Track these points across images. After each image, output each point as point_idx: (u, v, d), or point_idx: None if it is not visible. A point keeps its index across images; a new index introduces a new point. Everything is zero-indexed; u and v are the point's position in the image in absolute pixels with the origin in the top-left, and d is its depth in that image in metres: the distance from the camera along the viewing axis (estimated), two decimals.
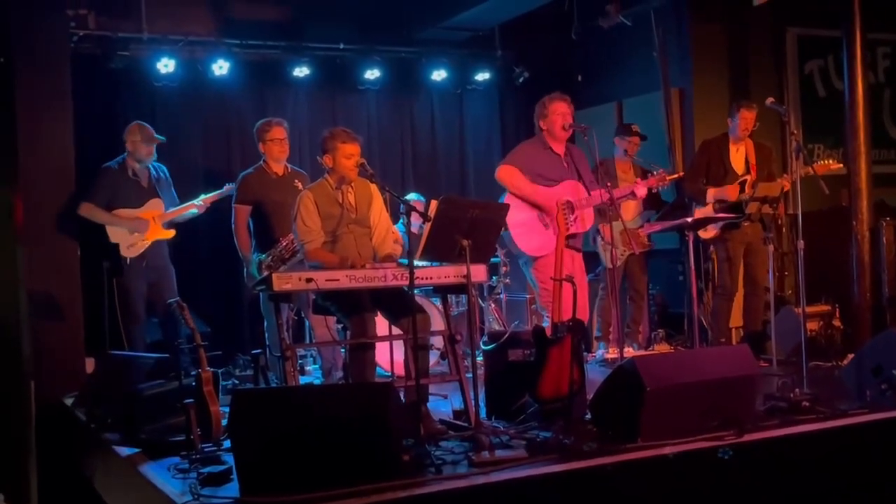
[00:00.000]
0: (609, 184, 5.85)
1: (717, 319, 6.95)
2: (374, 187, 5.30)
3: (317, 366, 6.80)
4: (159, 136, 6.56)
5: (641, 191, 6.15)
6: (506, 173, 5.82)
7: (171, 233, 6.59)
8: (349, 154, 5.12)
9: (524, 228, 5.77)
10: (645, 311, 7.39)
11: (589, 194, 5.84)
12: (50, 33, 6.44)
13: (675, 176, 6.62)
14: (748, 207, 6.60)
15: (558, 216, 5.20)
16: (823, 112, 8.35)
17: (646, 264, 7.32)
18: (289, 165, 6.45)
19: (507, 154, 6.11)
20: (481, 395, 4.77)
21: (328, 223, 5.20)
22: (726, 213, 6.58)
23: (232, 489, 3.76)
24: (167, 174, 6.75)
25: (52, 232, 6.37)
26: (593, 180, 5.95)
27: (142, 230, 6.45)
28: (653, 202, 7.19)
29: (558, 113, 5.83)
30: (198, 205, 6.57)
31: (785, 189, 6.62)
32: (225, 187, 6.56)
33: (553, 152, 5.88)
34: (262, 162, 6.35)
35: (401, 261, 5.15)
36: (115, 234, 6.43)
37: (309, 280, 4.57)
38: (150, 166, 6.61)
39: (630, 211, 7.06)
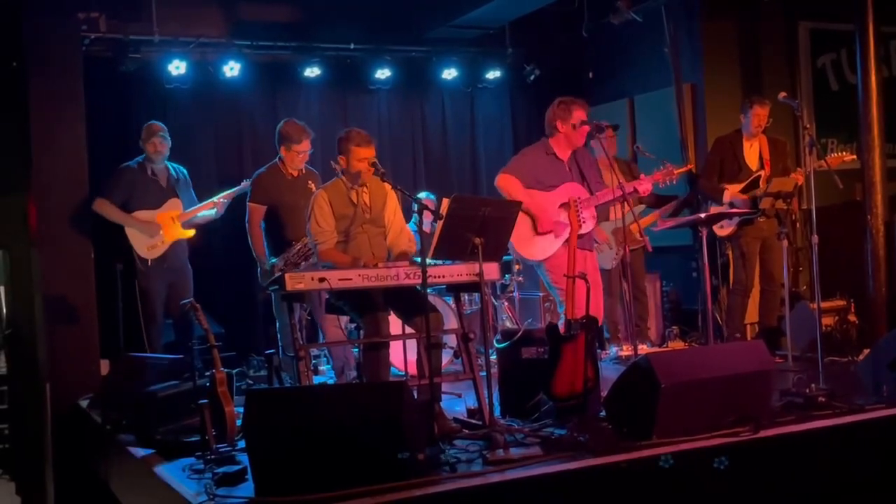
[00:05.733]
0: (621, 181, 5.81)
1: (732, 316, 6.92)
2: (388, 187, 5.30)
3: (330, 365, 6.80)
4: (158, 134, 6.54)
5: (646, 187, 6.09)
6: (504, 182, 5.74)
7: (191, 233, 6.61)
8: (363, 157, 5.12)
9: (523, 236, 5.71)
10: (651, 308, 7.36)
11: (591, 194, 5.78)
12: (61, 37, 6.46)
13: (684, 169, 6.55)
14: (762, 203, 6.57)
15: (570, 214, 5.19)
16: (836, 106, 8.30)
17: (644, 261, 7.29)
18: (303, 166, 6.44)
19: (512, 158, 6.06)
20: (495, 394, 4.77)
21: (342, 223, 5.20)
22: (740, 209, 6.55)
23: (247, 489, 3.76)
24: (186, 175, 6.78)
25: (66, 235, 6.38)
26: (598, 180, 5.91)
27: (159, 232, 6.48)
28: (649, 198, 7.15)
29: (580, 119, 5.72)
30: (216, 202, 6.58)
31: (798, 183, 6.58)
32: (242, 183, 6.56)
33: (556, 158, 5.80)
34: (277, 160, 6.32)
35: (413, 259, 5.14)
36: (133, 235, 6.47)
37: (322, 280, 4.57)
38: (170, 167, 6.65)
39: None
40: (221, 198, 6.60)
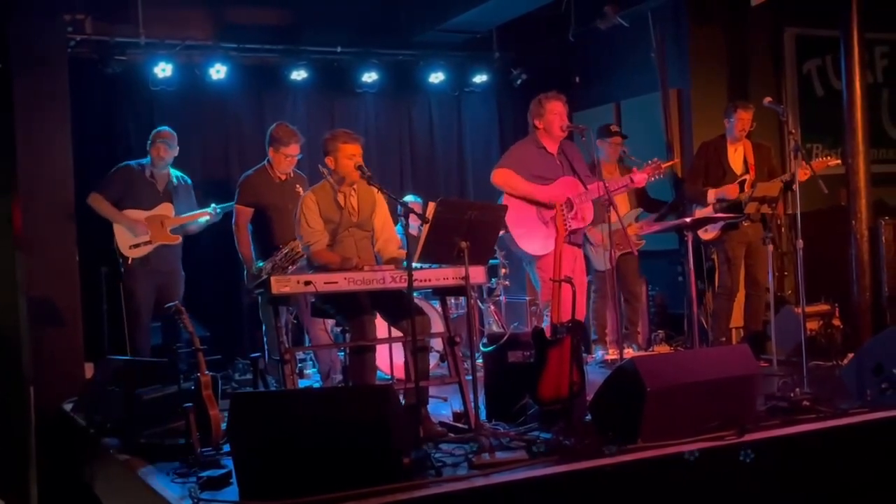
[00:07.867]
0: (605, 184, 5.84)
1: (717, 320, 6.93)
2: (378, 195, 5.27)
3: (316, 369, 6.79)
4: (164, 140, 6.58)
5: (640, 178, 6.13)
6: (501, 176, 5.81)
7: (177, 238, 6.63)
8: (351, 154, 5.10)
9: (525, 229, 5.76)
10: (641, 312, 7.38)
11: (586, 188, 5.83)
12: (47, 38, 6.43)
13: (670, 163, 6.63)
14: (747, 207, 6.59)
15: (557, 217, 5.20)
16: (822, 112, 8.34)
17: (639, 265, 7.30)
18: (291, 170, 6.42)
19: (503, 154, 6.11)
20: (481, 397, 4.76)
21: (328, 226, 5.19)
22: (726, 214, 6.57)
23: (231, 493, 3.75)
24: (189, 183, 6.82)
25: (50, 238, 6.35)
26: (589, 174, 5.96)
27: (145, 233, 6.48)
28: (645, 202, 7.18)
29: (556, 112, 5.82)
30: (210, 213, 6.60)
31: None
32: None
33: (546, 151, 5.89)
34: (265, 163, 6.32)
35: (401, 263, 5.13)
36: (120, 232, 6.51)
37: (307, 283, 4.57)
38: (172, 173, 6.71)
39: (619, 209, 7.02)
40: (216, 209, 6.64)
